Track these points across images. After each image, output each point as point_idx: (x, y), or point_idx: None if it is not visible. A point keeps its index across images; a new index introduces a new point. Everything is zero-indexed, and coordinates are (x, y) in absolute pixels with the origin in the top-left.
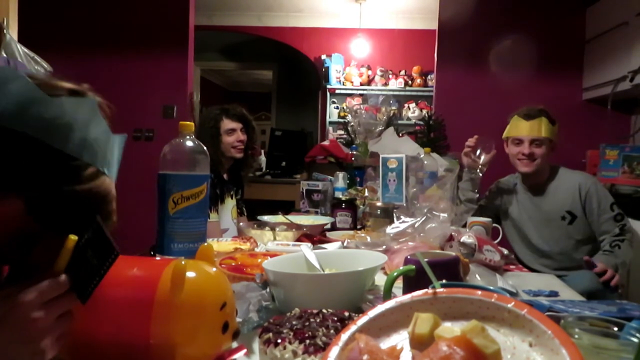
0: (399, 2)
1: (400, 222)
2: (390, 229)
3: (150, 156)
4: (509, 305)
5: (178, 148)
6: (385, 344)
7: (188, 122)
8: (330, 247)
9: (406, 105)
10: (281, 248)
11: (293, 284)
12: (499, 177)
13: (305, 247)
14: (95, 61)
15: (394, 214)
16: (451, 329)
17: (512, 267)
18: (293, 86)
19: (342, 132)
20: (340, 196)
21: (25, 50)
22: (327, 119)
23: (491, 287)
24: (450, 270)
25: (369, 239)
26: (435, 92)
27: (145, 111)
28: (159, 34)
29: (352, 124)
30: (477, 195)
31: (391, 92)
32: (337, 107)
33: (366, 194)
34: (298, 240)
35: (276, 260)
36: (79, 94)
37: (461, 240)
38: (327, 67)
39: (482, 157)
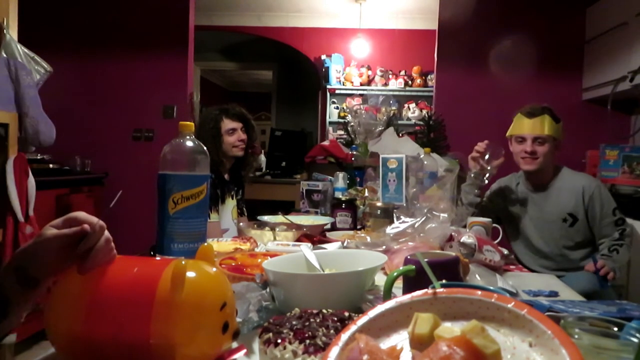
0: (399, 2)
1: (400, 222)
2: (390, 229)
3: (150, 156)
4: (509, 306)
5: (178, 148)
6: (385, 344)
7: (188, 122)
8: (330, 247)
9: (406, 105)
10: (281, 248)
11: (293, 284)
12: (501, 177)
13: (305, 247)
14: (95, 61)
15: (394, 214)
16: (451, 329)
17: (512, 267)
18: (293, 86)
19: (342, 132)
20: (340, 196)
21: (25, 50)
22: (327, 119)
23: (491, 287)
24: (450, 271)
25: (369, 239)
26: (435, 92)
27: (145, 111)
28: (159, 34)
29: (352, 124)
30: (479, 199)
31: (391, 92)
32: (337, 107)
33: (366, 194)
34: (298, 240)
35: (276, 261)
36: None
37: (461, 241)
38: (327, 67)
39: (491, 163)
